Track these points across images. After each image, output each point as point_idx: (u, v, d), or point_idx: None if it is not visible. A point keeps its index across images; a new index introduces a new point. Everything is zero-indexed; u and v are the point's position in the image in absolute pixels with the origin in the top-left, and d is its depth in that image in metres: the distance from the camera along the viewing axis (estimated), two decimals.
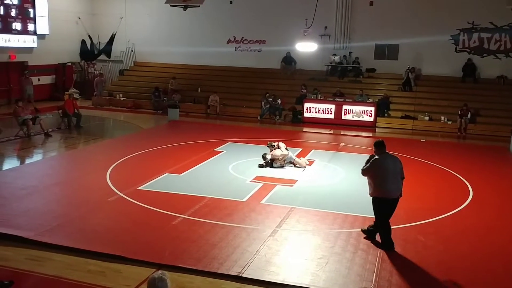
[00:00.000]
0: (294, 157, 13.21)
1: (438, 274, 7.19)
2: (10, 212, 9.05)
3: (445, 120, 20.14)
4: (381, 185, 7.91)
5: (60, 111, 17.94)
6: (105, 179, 11.30)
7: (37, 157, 14.24)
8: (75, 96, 22.25)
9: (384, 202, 7.94)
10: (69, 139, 16.33)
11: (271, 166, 12.80)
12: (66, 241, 7.73)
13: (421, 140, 17.94)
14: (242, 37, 25.51)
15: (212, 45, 25.51)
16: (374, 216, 8.22)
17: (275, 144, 13.21)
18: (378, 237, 8.23)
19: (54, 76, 25.36)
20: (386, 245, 7.95)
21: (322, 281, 6.85)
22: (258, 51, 25.36)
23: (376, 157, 8.10)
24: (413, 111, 21.09)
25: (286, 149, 13.15)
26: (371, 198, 8.15)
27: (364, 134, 19.39)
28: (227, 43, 25.68)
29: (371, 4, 23.57)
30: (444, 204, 10.34)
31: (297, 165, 13.04)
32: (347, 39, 24.05)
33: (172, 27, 26.09)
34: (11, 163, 13.41)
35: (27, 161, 13.70)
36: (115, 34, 26.30)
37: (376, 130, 20.19)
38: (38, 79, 24.24)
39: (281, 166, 12.84)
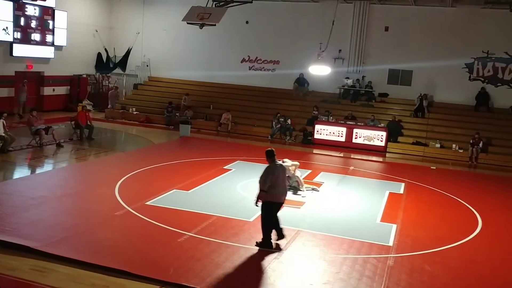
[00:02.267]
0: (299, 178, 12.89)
1: None
2: (19, 221, 9.10)
3: (457, 148, 20.05)
4: (274, 189, 8.51)
5: (73, 122, 18.11)
6: (114, 193, 11.34)
7: (48, 167, 14.38)
8: (88, 108, 22.48)
9: (275, 205, 8.60)
10: (80, 151, 16.47)
11: None
12: (72, 253, 7.75)
13: (432, 168, 17.84)
14: (257, 57, 25.73)
15: (226, 64, 25.77)
16: (264, 223, 8.68)
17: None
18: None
19: (69, 87, 25.65)
20: (267, 244, 8.57)
21: None
22: (272, 71, 25.53)
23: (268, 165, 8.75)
24: (425, 138, 21.03)
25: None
26: (261, 203, 8.61)
27: (374, 158, 19.32)
28: (242, 62, 25.91)
29: (386, 29, 23.71)
30: (452, 234, 10.24)
31: (300, 187, 12.72)
32: (361, 62, 24.17)
33: (188, 44, 26.40)
34: (22, 172, 13.59)
35: (38, 170, 13.85)
36: (131, 49, 26.65)
37: (387, 155, 20.13)
38: (53, 90, 24.60)
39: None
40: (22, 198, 10.50)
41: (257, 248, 8.65)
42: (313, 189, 12.92)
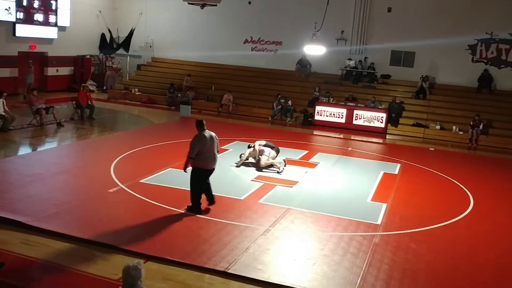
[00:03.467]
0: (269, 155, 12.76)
1: (425, 282, 7.23)
2: (13, 197, 9.31)
3: (457, 130, 19.98)
4: (201, 156, 9.01)
5: (74, 102, 18.26)
6: (109, 171, 11.49)
7: (47, 145, 14.56)
8: (90, 88, 22.57)
9: (204, 172, 9.15)
10: (80, 130, 16.65)
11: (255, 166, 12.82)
12: (61, 228, 7.93)
13: (430, 149, 17.83)
14: (259, 38, 25.65)
15: (229, 44, 25.69)
16: (192, 188, 9.26)
17: (252, 144, 13.16)
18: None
19: (72, 67, 25.79)
20: (195, 208, 9.14)
21: (307, 281, 6.92)
22: (274, 52, 25.45)
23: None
24: (425, 120, 20.97)
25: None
26: (191, 169, 9.16)
27: (373, 140, 19.31)
28: (244, 43, 25.84)
29: (389, 10, 23.49)
30: (441, 214, 10.28)
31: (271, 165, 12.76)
32: (363, 44, 24.02)
33: (191, 24, 26.33)
34: (21, 150, 13.82)
35: (37, 149, 14.03)
36: (134, 29, 26.64)
37: (387, 137, 20.11)
38: (57, 70, 24.76)
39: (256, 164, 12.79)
40: (17, 175, 10.70)
41: (245, 225, 8.80)
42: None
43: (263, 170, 12.53)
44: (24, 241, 7.53)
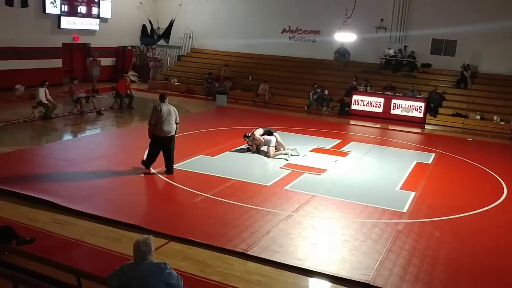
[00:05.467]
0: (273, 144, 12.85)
1: (444, 269, 7.17)
2: (48, 180, 9.82)
3: (498, 120, 19.37)
4: (157, 125, 10.26)
5: (113, 91, 18.83)
6: (143, 157, 11.76)
7: (85, 133, 15.13)
8: (131, 79, 23.16)
9: (159, 139, 10.37)
10: (118, 118, 17.17)
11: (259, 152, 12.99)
12: (91, 209, 8.31)
13: (468, 139, 17.40)
14: (297, 27, 25.54)
15: (267, 34, 25.64)
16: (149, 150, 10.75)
17: (250, 134, 13.14)
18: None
19: (114, 58, 26.52)
20: (145, 164, 10.70)
21: (323, 265, 7.00)
22: (312, 41, 25.32)
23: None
24: (466, 110, 20.43)
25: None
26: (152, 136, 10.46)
27: (411, 130, 18.93)
28: (282, 32, 25.78)
29: None
30: (471, 203, 10.08)
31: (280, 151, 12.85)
32: (403, 32, 23.56)
33: (229, 15, 26.53)
34: (60, 137, 14.40)
35: (75, 136, 14.60)
36: (174, 20, 27.07)
37: (425, 127, 19.73)
38: (99, 61, 25.40)
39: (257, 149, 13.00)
40: (55, 160, 11.23)
41: (268, 209, 8.93)
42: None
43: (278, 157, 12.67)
44: (56, 221, 7.95)
